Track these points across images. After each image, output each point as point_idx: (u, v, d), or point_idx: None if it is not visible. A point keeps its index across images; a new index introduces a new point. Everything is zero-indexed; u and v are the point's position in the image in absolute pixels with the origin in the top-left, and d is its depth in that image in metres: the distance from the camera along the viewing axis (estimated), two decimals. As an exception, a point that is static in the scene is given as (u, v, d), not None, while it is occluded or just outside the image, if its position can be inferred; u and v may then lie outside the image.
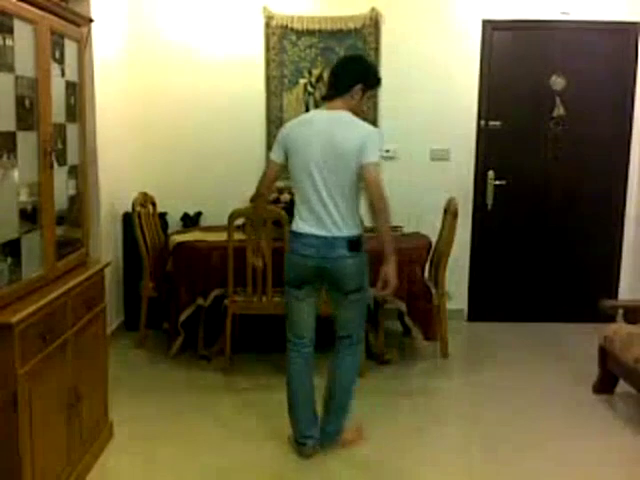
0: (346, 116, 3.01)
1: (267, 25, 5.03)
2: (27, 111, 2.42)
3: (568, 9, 4.97)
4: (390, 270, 2.96)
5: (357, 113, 3.07)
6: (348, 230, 3.00)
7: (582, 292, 5.27)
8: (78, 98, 2.97)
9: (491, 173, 5.18)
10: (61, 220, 2.79)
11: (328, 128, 2.97)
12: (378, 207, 2.93)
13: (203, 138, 5.16)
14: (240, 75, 5.09)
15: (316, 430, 3.21)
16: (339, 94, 3.02)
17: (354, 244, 3.01)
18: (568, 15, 4.97)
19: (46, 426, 2.48)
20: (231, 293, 4.09)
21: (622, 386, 3.82)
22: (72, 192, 2.94)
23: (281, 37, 5.05)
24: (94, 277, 2.97)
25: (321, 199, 2.97)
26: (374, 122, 5.07)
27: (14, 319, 2.19)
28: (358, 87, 3.02)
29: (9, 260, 2.32)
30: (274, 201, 4.36)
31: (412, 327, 4.33)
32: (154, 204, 4.81)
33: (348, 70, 3.09)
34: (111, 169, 4.57)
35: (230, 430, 3.42)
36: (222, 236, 4.11)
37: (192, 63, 5.08)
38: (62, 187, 2.80)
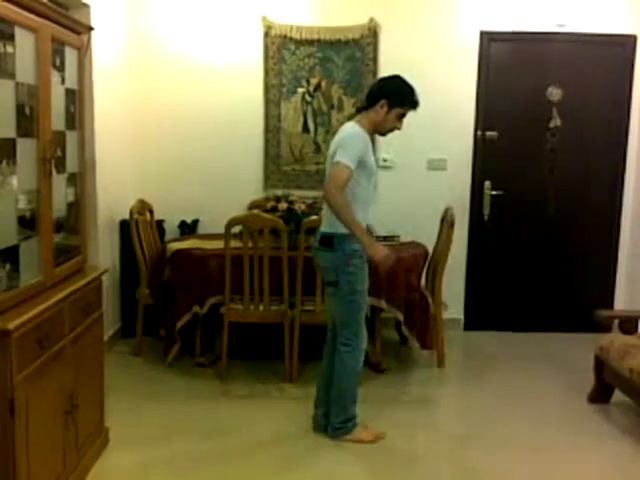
0: (348, 125, 3.29)
1: (266, 34, 5.06)
2: (27, 118, 2.43)
3: (564, 21, 5.01)
4: (367, 250, 3.13)
5: (383, 127, 3.31)
6: (324, 226, 3.29)
7: (578, 302, 5.29)
8: (78, 106, 2.98)
9: (488, 183, 5.20)
10: (59, 227, 2.80)
11: (335, 137, 3.30)
12: (326, 199, 3.15)
13: (201, 146, 5.18)
14: (239, 84, 5.12)
15: (321, 410, 3.46)
16: (364, 108, 3.30)
17: (325, 239, 3.27)
18: (564, 27, 5.01)
19: (42, 432, 2.48)
20: (228, 301, 4.09)
21: (618, 396, 3.83)
22: (70, 199, 2.94)
23: (280, 46, 5.08)
24: (91, 284, 2.98)
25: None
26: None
27: (12, 325, 2.19)
28: (382, 102, 3.23)
29: (7, 266, 2.32)
30: (271, 209, 4.37)
31: (409, 336, 4.34)
32: (151, 211, 4.82)
33: (377, 86, 3.35)
34: (109, 176, 4.58)
35: (227, 437, 3.41)
36: (219, 244, 4.11)
37: (191, 71, 5.10)
38: (61, 194, 2.81)
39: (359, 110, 3.37)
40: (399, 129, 3.35)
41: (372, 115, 3.26)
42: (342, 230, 3.16)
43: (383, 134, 3.39)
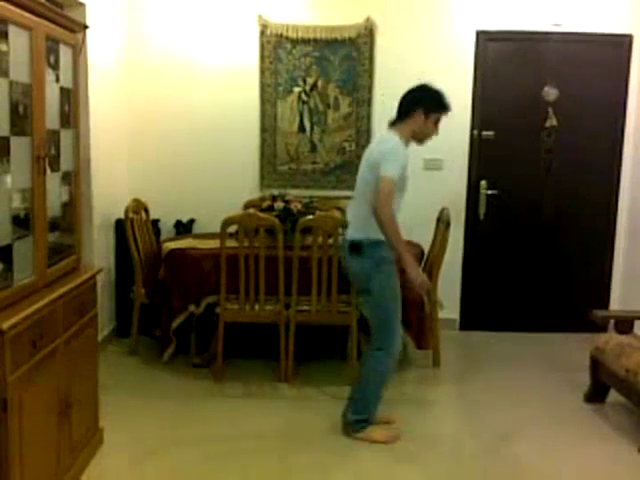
0: (388, 135, 3.31)
1: (262, 33, 5.05)
2: (21, 116, 2.41)
3: (560, 21, 5.02)
4: (406, 269, 3.17)
5: (423, 135, 3.35)
6: (353, 233, 3.33)
7: (574, 302, 5.28)
8: (72, 104, 2.97)
9: (484, 183, 5.20)
10: (54, 226, 2.78)
11: (372, 145, 3.42)
12: (375, 215, 3.13)
13: (197, 145, 5.17)
14: (234, 83, 5.10)
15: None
16: (400, 119, 3.33)
17: (353, 247, 3.28)
18: (560, 26, 5.01)
19: (36, 432, 2.47)
20: (223, 301, 4.08)
21: (613, 396, 3.83)
22: (65, 198, 2.93)
23: (276, 46, 5.06)
24: (86, 284, 2.97)
25: (350, 206, 3.47)
26: (367, 131, 5.11)
27: (5, 325, 2.18)
28: (419, 111, 3.28)
29: (1, 266, 2.31)
30: (267, 208, 4.36)
31: (404, 336, 4.33)
32: (147, 211, 4.80)
33: (408, 97, 3.36)
34: (104, 175, 4.56)
35: (222, 437, 3.40)
36: (215, 243, 4.10)
37: (186, 71, 5.09)
38: (55, 193, 2.79)
39: (392, 124, 3.37)
40: (437, 135, 3.39)
41: (411, 124, 3.29)
42: (373, 236, 3.19)
43: (421, 143, 3.40)
